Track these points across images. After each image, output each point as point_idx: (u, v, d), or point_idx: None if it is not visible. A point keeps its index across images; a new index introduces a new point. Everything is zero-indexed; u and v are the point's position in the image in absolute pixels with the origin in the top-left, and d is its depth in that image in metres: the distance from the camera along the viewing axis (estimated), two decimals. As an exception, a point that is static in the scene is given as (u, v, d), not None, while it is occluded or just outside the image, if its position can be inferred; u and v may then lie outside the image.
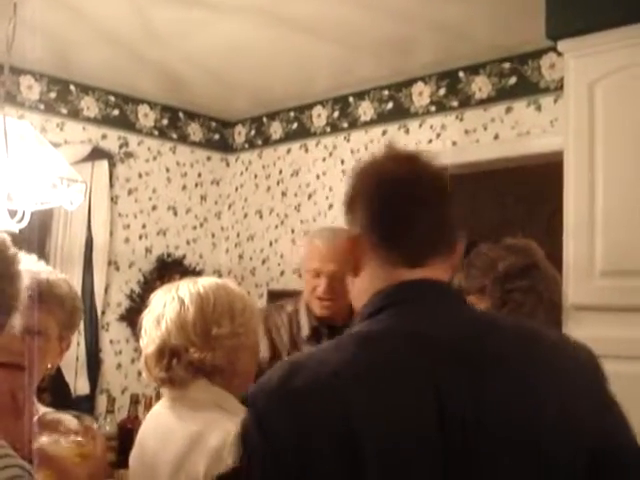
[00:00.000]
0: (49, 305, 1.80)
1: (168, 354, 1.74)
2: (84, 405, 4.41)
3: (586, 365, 1.28)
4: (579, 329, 2.08)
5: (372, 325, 1.24)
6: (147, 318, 1.82)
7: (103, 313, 4.73)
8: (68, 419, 1.51)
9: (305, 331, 2.71)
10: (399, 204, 1.30)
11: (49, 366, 1.92)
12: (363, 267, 1.32)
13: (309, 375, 1.16)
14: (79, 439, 1.36)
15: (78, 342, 4.51)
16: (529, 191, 4.52)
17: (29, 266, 1.94)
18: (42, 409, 2.03)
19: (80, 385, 4.51)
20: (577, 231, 2.50)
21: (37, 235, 4.30)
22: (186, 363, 1.73)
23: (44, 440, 1.35)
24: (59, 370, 4.08)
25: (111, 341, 4.79)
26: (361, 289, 1.32)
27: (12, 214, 2.78)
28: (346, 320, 2.68)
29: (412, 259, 1.28)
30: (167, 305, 1.79)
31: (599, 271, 2.35)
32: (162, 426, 1.79)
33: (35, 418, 1.37)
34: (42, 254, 4.17)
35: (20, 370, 1.77)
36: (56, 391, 3.23)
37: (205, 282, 1.84)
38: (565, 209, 2.58)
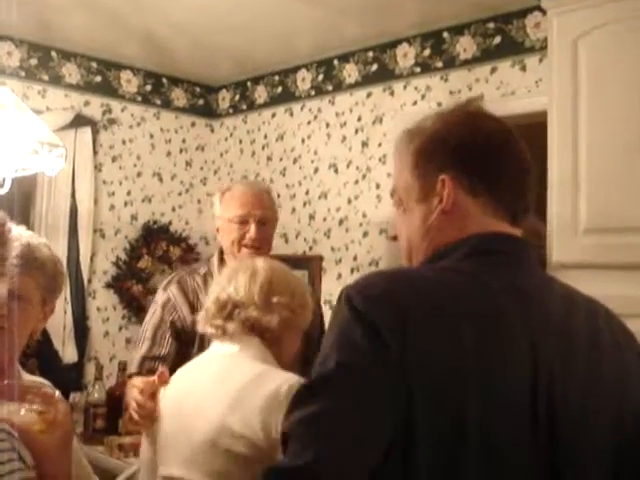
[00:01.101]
0: (30, 269, 1.78)
1: (231, 306, 1.96)
2: (72, 373, 4.42)
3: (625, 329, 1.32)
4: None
5: (474, 265, 1.23)
6: (222, 275, 2.10)
7: (89, 281, 4.71)
8: (32, 388, 1.49)
9: None
10: (502, 156, 1.30)
11: (32, 331, 1.91)
12: (455, 210, 1.29)
13: (416, 288, 1.17)
14: (41, 408, 1.34)
15: (65, 310, 4.50)
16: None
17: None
18: (26, 377, 2.03)
19: (68, 353, 4.50)
20: (561, 190, 2.50)
21: (20, 203, 4.27)
22: (244, 318, 1.94)
23: (9, 409, 1.32)
24: (48, 337, 4.07)
25: (98, 309, 4.78)
26: (448, 228, 1.29)
27: (-7, 181, 2.76)
28: None
29: (513, 216, 1.29)
30: (240, 269, 2.03)
31: (583, 229, 2.36)
32: (216, 369, 1.94)
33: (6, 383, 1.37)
34: (26, 223, 4.13)
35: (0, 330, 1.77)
36: (44, 358, 3.21)
37: (279, 264, 2.11)
38: (549, 168, 2.58)
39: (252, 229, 2.58)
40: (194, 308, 2.53)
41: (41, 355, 2.96)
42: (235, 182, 2.92)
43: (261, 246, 2.61)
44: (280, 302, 1.96)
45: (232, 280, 2.01)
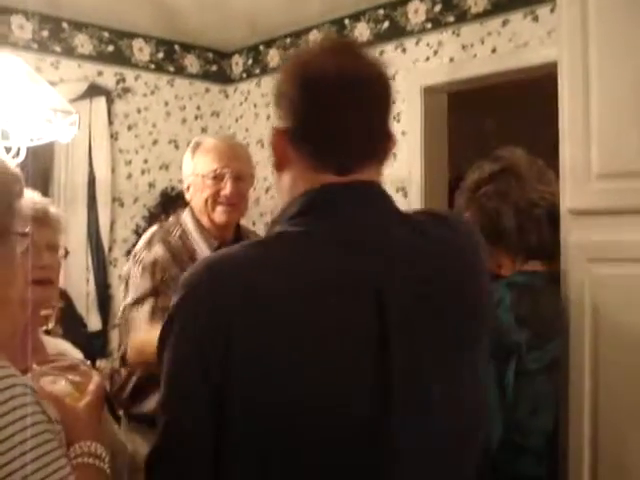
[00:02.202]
0: (51, 224, 1.88)
1: None
2: (97, 340, 4.48)
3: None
4: (578, 234, 2.09)
5: (300, 226, 1.22)
6: None
7: (110, 249, 4.76)
8: (64, 359, 1.63)
9: (206, 253, 2.40)
10: (327, 107, 1.25)
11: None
12: (287, 164, 1.29)
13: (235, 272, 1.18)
14: (75, 377, 1.47)
15: (87, 279, 4.56)
16: (534, 112, 4.46)
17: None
18: (52, 340, 2.08)
19: (92, 321, 4.56)
20: (572, 137, 2.48)
21: (39, 176, 4.32)
22: None
23: (44, 380, 1.44)
24: (71, 304, 4.13)
25: (119, 276, 4.80)
26: (283, 188, 1.30)
27: (8, 151, 2.79)
28: (235, 235, 2.53)
29: (340, 168, 1.25)
30: None
31: (595, 174, 2.34)
32: None
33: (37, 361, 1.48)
34: (45, 194, 4.18)
35: (51, 284, 1.85)
36: (69, 325, 3.26)
37: None
38: (560, 116, 2.55)
39: (228, 185, 2.42)
40: (182, 269, 2.40)
41: (65, 321, 3.00)
42: (205, 137, 2.65)
43: (237, 202, 2.46)
44: None
45: None
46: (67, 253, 2.35)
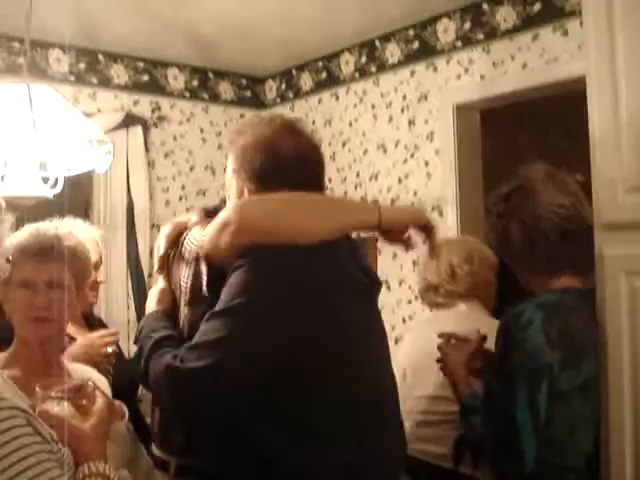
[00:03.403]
0: (63, 258, 1.89)
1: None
2: (138, 366, 4.50)
3: None
4: (612, 248, 2.07)
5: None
6: None
7: (150, 276, 4.81)
8: (70, 381, 1.66)
9: None
10: (288, 169, 1.80)
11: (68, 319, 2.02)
12: None
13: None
14: (79, 401, 1.51)
15: (128, 305, 4.62)
16: (573, 123, 4.42)
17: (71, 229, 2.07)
18: (73, 367, 2.11)
19: (133, 347, 4.59)
20: (603, 150, 2.46)
21: (79, 204, 4.39)
22: None
23: (48, 403, 1.47)
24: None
25: (160, 302, 4.86)
26: None
27: (46, 181, 2.84)
28: None
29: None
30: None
31: (628, 187, 2.31)
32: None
33: (39, 384, 1.51)
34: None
35: (48, 322, 1.89)
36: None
37: None
38: (590, 129, 2.53)
39: None
40: None
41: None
42: None
43: None
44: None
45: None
46: (99, 283, 2.39)
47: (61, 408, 1.46)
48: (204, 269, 1.80)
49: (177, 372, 1.62)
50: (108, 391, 2.19)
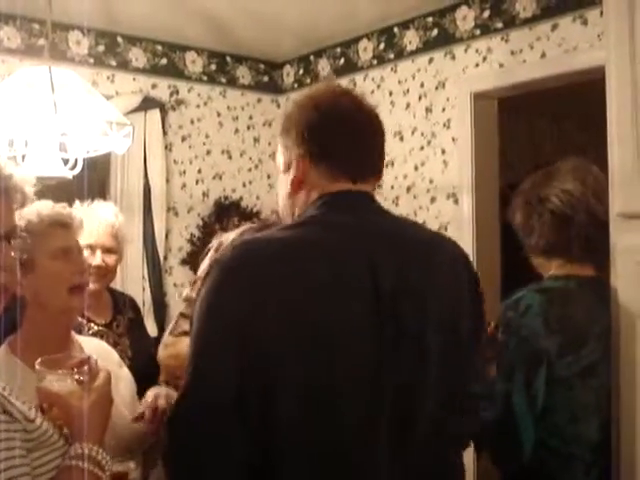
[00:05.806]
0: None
1: None
2: (153, 348, 4.54)
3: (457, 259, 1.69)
4: (628, 238, 2.07)
5: (318, 218, 1.58)
6: None
7: (165, 258, 4.85)
8: (70, 357, 1.63)
9: None
10: (344, 133, 1.61)
11: None
12: (304, 184, 1.63)
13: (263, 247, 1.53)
14: (81, 376, 1.43)
15: (143, 287, 4.66)
16: (591, 112, 4.40)
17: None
18: (81, 339, 2.14)
19: (148, 328, 4.63)
20: (621, 140, 2.46)
21: (96, 187, 4.42)
22: None
23: (48, 379, 1.41)
24: (139, 314, 4.16)
25: (175, 284, 4.91)
26: (300, 203, 1.64)
27: (66, 162, 2.87)
28: None
29: (354, 176, 1.62)
30: None
31: (644, 178, 2.31)
32: None
33: (38, 360, 1.46)
34: (102, 204, 4.28)
35: (85, 289, 2.03)
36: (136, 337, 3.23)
37: None
38: (608, 119, 2.53)
39: None
40: None
41: (133, 331, 3.00)
42: None
43: None
44: None
45: None
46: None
47: (63, 385, 1.41)
48: None
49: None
50: (117, 365, 2.21)
